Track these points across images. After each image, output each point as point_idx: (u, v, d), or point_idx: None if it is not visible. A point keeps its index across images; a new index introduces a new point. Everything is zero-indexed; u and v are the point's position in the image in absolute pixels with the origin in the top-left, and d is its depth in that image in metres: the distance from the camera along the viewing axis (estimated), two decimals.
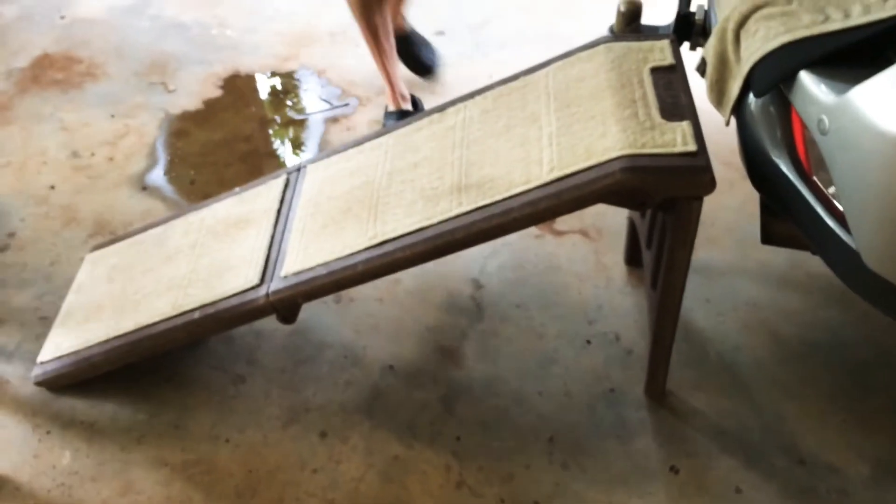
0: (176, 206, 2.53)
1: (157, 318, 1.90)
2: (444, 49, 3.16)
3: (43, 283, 2.31)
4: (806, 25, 1.44)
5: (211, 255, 1.99)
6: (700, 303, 2.14)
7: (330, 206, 1.89)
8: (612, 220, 2.39)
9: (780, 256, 2.22)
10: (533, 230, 2.38)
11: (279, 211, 2.00)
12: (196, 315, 1.84)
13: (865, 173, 1.25)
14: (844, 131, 1.28)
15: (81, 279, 2.22)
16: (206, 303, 1.85)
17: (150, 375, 2.03)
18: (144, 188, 2.62)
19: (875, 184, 1.23)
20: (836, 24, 1.41)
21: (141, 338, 1.89)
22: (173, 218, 2.23)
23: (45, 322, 2.17)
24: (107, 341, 1.93)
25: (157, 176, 2.67)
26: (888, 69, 1.25)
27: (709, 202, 1.59)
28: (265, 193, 2.09)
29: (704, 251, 2.27)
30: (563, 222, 2.40)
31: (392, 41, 2.68)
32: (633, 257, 2.26)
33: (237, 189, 2.18)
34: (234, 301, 1.82)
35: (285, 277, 1.78)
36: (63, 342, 2.03)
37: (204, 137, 2.83)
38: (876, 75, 1.25)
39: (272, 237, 1.92)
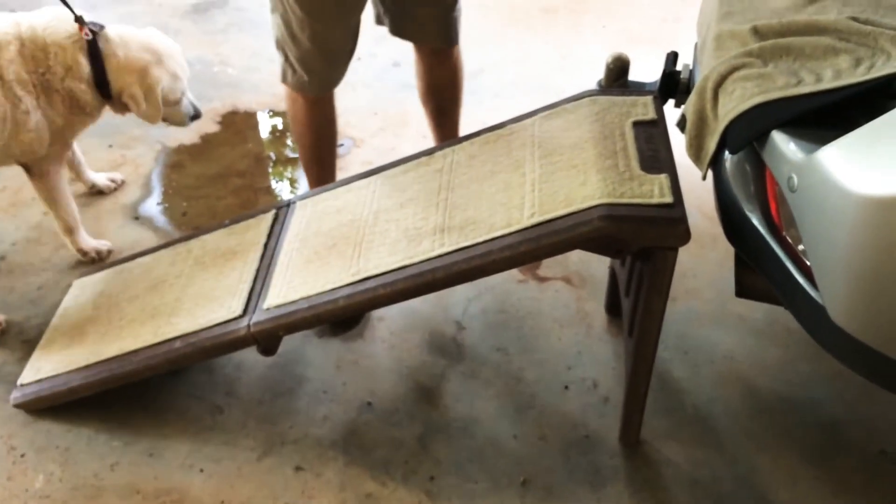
0: (167, 237, 2.56)
1: (139, 346, 1.92)
2: None
3: (29, 307, 2.33)
4: (780, 87, 1.49)
5: (196, 285, 2.02)
6: (677, 353, 2.17)
7: (316, 241, 1.92)
8: (595, 268, 2.43)
9: (758, 310, 2.26)
10: (517, 275, 2.41)
11: (266, 245, 2.03)
12: (177, 343, 1.86)
13: (832, 231, 1.29)
14: (813, 189, 1.32)
15: (67, 304, 2.24)
16: (188, 332, 1.87)
17: (127, 402, 2.04)
18: (137, 218, 2.65)
19: (841, 241, 1.27)
20: (808, 87, 1.46)
21: (121, 364, 1.90)
22: (162, 247, 2.26)
23: (28, 345, 2.19)
24: (87, 367, 1.95)
25: (150, 206, 2.71)
26: (854, 131, 1.29)
27: (690, 254, 1.63)
28: (254, 227, 2.12)
29: (684, 302, 2.30)
30: (546, 268, 2.44)
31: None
32: (613, 306, 2.29)
33: (227, 221, 2.22)
34: (216, 331, 1.84)
35: (268, 310, 1.81)
36: (44, 366, 2.04)
37: (199, 171, 2.87)
38: (842, 137, 1.30)
39: (258, 270, 1.96)
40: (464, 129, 2.30)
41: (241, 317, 1.83)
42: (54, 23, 2.13)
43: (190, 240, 2.22)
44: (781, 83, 1.49)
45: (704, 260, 2.43)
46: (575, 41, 3.71)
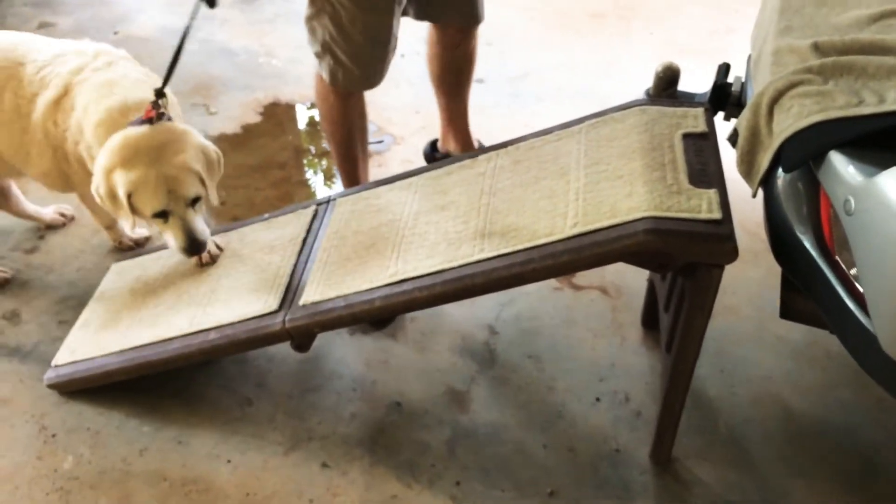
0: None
1: (173, 334, 1.93)
2: (483, 97, 3.22)
3: (66, 287, 2.35)
4: (840, 106, 1.45)
5: (233, 277, 2.02)
6: (714, 371, 2.13)
7: (355, 240, 1.92)
8: (632, 279, 2.40)
9: (798, 332, 2.21)
10: (552, 282, 2.39)
11: (305, 240, 2.03)
12: (212, 335, 1.86)
13: (888, 258, 1.25)
14: (870, 214, 1.28)
15: (104, 287, 2.26)
16: (223, 323, 1.87)
17: (158, 388, 2.05)
18: None
19: None
20: (871, 108, 1.42)
21: (156, 351, 1.91)
22: None
23: (63, 326, 2.21)
24: (122, 352, 1.96)
25: None
26: None
27: (731, 271, 1.59)
28: (293, 222, 2.12)
29: (723, 319, 2.26)
30: (582, 277, 2.41)
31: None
32: (649, 319, 2.25)
33: (266, 215, 2.22)
34: (251, 325, 1.84)
35: (304, 306, 1.80)
36: (79, 348, 2.06)
37: (239, 160, 2.88)
38: None
39: (295, 265, 1.95)
40: (505, 132, 2.28)
41: (276, 311, 1.82)
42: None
43: (229, 231, 2.22)
44: (842, 102, 1.45)
45: (744, 277, 2.39)
46: (622, 48, 3.67)
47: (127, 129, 1.88)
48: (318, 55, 2.20)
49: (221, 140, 2.99)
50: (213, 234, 2.29)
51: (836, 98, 1.47)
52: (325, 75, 2.22)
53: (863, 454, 1.94)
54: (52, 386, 2.04)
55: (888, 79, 1.48)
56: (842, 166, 1.37)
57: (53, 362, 2.07)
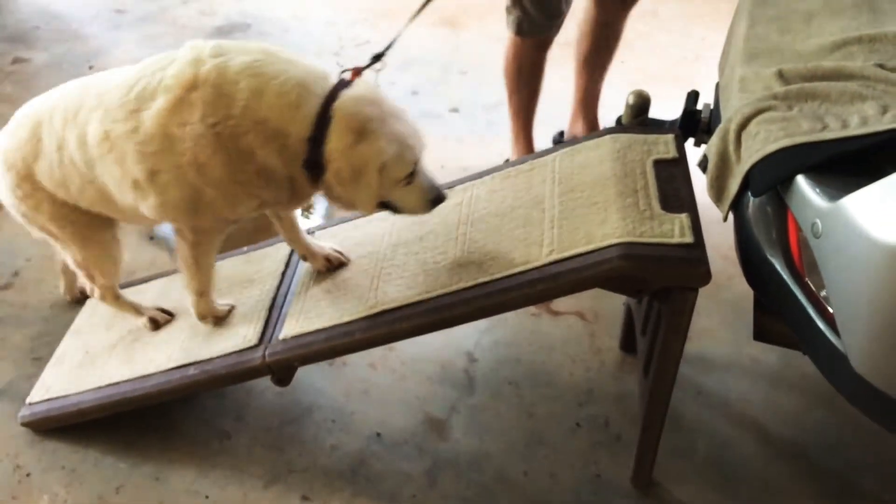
0: None
1: (151, 370, 1.91)
2: (458, 126, 3.25)
3: (41, 323, 2.33)
4: (805, 132, 1.48)
5: None
6: (692, 394, 2.15)
7: (334, 272, 1.92)
8: (609, 304, 2.41)
9: (773, 353, 2.23)
10: (530, 308, 2.40)
11: (284, 273, 2.03)
12: (191, 370, 1.85)
13: (856, 279, 1.28)
14: (837, 236, 1.31)
15: (80, 323, 2.24)
16: (202, 359, 1.86)
17: (135, 423, 2.02)
18: (152, 238, 2.66)
19: (865, 290, 1.26)
20: (834, 132, 1.45)
21: (133, 388, 1.89)
22: (178, 271, 2.25)
23: (38, 363, 2.18)
24: (98, 389, 1.94)
25: (167, 227, 2.70)
26: (881, 180, 1.28)
27: (705, 294, 1.61)
28: (272, 255, 2.12)
29: (699, 342, 2.28)
30: (560, 303, 2.43)
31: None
32: (627, 343, 2.27)
33: (245, 248, 2.22)
34: (231, 360, 1.83)
35: (284, 340, 1.80)
36: (54, 385, 2.04)
37: None
38: (869, 185, 1.29)
39: (274, 299, 1.95)
40: (482, 161, 2.31)
41: (256, 346, 1.82)
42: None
43: None
44: (807, 128, 1.48)
45: (719, 300, 2.42)
46: None
47: (343, 99, 1.63)
48: (507, 10, 2.63)
49: None
50: None
51: (800, 123, 1.50)
52: (512, 28, 2.64)
53: (841, 475, 1.96)
54: (26, 424, 2.02)
55: (851, 104, 1.52)
56: (808, 190, 1.40)
57: (28, 400, 2.05)
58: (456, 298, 1.67)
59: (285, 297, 1.94)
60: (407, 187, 1.68)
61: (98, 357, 2.07)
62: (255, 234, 2.59)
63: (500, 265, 1.69)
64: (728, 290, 2.43)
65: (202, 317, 1.98)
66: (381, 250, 1.91)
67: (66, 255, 2.07)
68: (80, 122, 1.76)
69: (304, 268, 2.00)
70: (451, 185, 2.04)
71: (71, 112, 1.78)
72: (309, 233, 2.14)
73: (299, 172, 1.68)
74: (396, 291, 1.75)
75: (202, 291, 1.96)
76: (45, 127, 1.82)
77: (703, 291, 1.58)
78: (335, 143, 1.62)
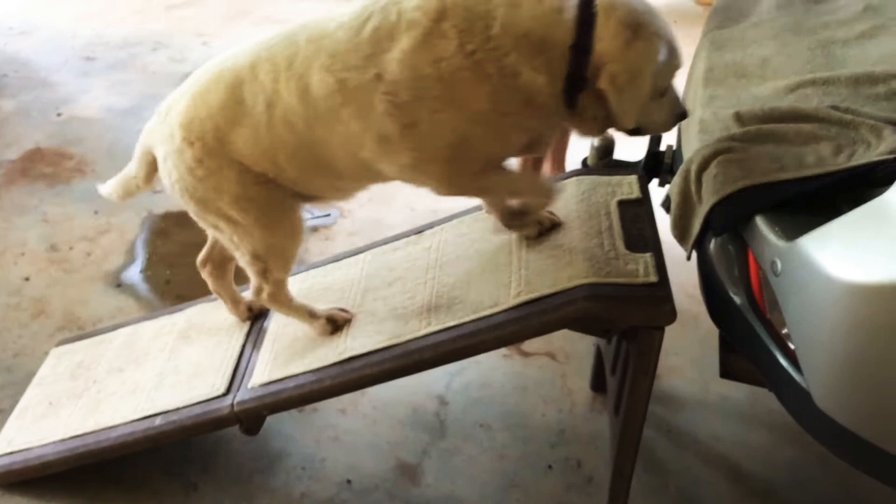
0: (149, 306, 2.54)
1: (117, 421, 1.88)
2: None
3: (4, 374, 2.29)
4: (763, 172, 1.51)
5: (180, 359, 1.99)
6: (662, 433, 2.15)
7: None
8: (579, 344, 2.42)
9: (742, 390, 2.25)
10: (501, 350, 2.40)
11: (253, 321, 2.01)
12: (157, 421, 1.82)
13: (815, 316, 1.30)
14: (796, 275, 1.33)
15: (44, 373, 2.20)
16: (168, 409, 1.84)
17: (99, 475, 1.98)
18: (119, 285, 2.63)
19: (824, 327, 1.28)
20: (791, 172, 1.49)
21: (98, 440, 1.86)
22: (145, 319, 2.24)
23: (1, 415, 2.13)
24: (62, 441, 1.90)
25: (134, 274, 2.69)
26: (837, 219, 1.31)
27: (673, 332, 1.63)
28: None
29: (668, 380, 2.29)
30: (531, 344, 2.43)
31: None
32: (598, 383, 2.28)
33: (213, 295, 2.20)
34: (198, 409, 1.80)
35: (252, 388, 1.78)
36: (17, 437, 1.99)
37: (186, 238, 2.86)
38: (825, 224, 1.32)
39: (243, 346, 1.94)
40: (453, 204, 2.31)
41: (224, 395, 1.80)
42: None
43: (175, 313, 2.20)
44: (765, 168, 1.52)
45: (686, 338, 2.44)
46: None
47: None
48: None
49: (167, 218, 2.98)
50: (157, 315, 2.26)
51: (759, 164, 1.54)
52: None
53: None
54: None
55: (806, 145, 1.56)
56: (767, 229, 1.43)
57: None
58: (425, 343, 1.66)
59: (255, 344, 1.93)
60: (661, 99, 1.52)
61: (62, 408, 2.03)
62: None
63: (469, 308, 1.69)
64: (695, 328, 2.45)
65: (530, 231, 1.76)
66: (350, 296, 1.91)
67: (241, 249, 1.77)
68: (298, 72, 1.53)
69: (274, 315, 1.99)
70: (421, 230, 2.05)
71: (282, 63, 1.55)
72: None
73: (559, 93, 1.48)
74: (366, 337, 1.74)
75: (502, 213, 1.78)
76: (248, 86, 1.58)
77: (670, 329, 1.60)
78: (609, 42, 1.42)
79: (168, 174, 1.71)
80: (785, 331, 1.43)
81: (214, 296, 2.12)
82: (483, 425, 2.18)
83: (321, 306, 1.86)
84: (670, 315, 1.57)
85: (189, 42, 4.39)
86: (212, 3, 4.86)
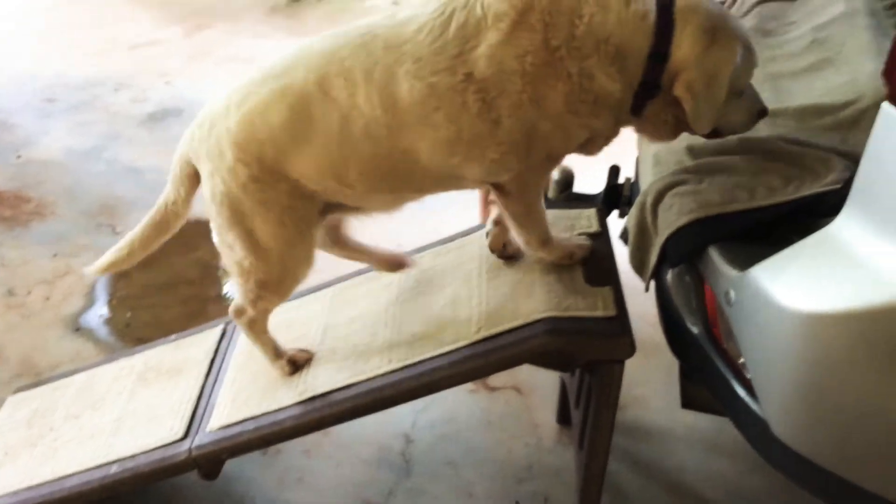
0: (108, 349, 2.49)
1: (73, 469, 1.83)
2: None
3: None
4: (715, 204, 1.54)
5: (138, 403, 1.95)
6: (628, 464, 2.14)
7: (263, 359, 1.89)
8: (545, 377, 2.41)
9: (707, 420, 2.25)
10: (467, 385, 2.39)
11: (213, 361, 1.99)
12: (114, 468, 1.78)
13: (769, 345, 1.31)
14: (749, 304, 1.35)
15: (0, 422, 2.14)
16: (125, 455, 1.79)
17: None
18: (78, 329, 2.59)
19: (777, 356, 1.29)
20: (742, 204, 1.52)
21: (52, 490, 1.80)
22: (103, 363, 2.20)
23: None
24: (16, 493, 1.84)
25: (93, 317, 2.65)
26: (787, 249, 1.34)
27: (637, 363, 1.63)
28: (201, 342, 2.08)
29: (633, 411, 2.29)
30: (496, 378, 2.42)
31: None
32: (564, 416, 2.27)
33: (173, 336, 2.17)
34: (156, 455, 1.76)
35: (211, 432, 1.75)
36: None
37: (146, 280, 2.83)
38: (776, 254, 1.34)
39: (202, 387, 1.91)
40: (415, 239, 2.32)
41: (182, 439, 1.76)
42: None
43: (133, 355, 2.16)
44: (717, 200, 1.55)
45: (651, 368, 2.44)
46: None
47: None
48: None
49: None
50: (116, 358, 2.22)
51: (711, 196, 1.56)
52: None
53: None
54: None
55: (756, 176, 1.59)
56: (720, 260, 1.45)
57: None
58: (386, 381, 1.65)
59: (213, 385, 1.90)
60: (738, 99, 1.51)
61: (19, 457, 1.97)
62: (187, 321, 2.56)
63: (430, 345, 1.69)
64: (659, 358, 2.45)
65: (561, 259, 1.72)
66: (311, 334, 1.90)
67: (247, 274, 1.70)
68: (380, 83, 1.48)
69: (233, 354, 1.97)
70: None
71: (359, 77, 1.49)
72: None
73: (628, 98, 1.49)
74: (327, 376, 1.73)
75: (545, 239, 1.70)
76: (318, 105, 1.52)
77: (635, 359, 1.60)
78: (687, 49, 1.43)
79: (213, 187, 1.64)
80: (741, 360, 1.45)
81: (174, 336, 2.09)
82: (449, 463, 2.16)
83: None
84: (629, 348, 1.58)
85: (152, 82, 4.38)
86: (175, 43, 4.86)
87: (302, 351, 1.84)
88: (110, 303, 2.72)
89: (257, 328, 1.81)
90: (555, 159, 1.62)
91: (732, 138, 1.73)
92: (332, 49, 1.54)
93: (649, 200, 1.68)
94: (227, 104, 1.60)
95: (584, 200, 2.09)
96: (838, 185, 1.41)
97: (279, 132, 1.55)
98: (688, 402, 1.71)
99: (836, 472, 1.29)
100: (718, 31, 1.44)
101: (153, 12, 5.27)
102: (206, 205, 1.69)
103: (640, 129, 1.60)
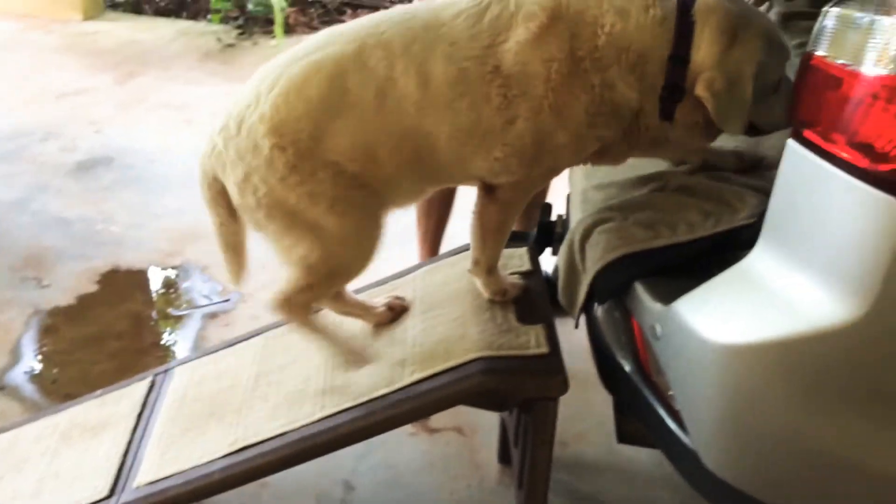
0: (35, 408, 2.40)
1: None
2: None
3: None
4: (640, 240, 1.57)
5: (61, 463, 1.88)
6: (571, 501, 2.14)
7: (193, 409, 1.85)
8: (486, 416, 2.40)
9: (647, 452, 2.26)
10: (407, 428, 2.36)
11: (140, 415, 1.93)
12: None
13: (694, 377, 1.34)
14: (673, 338, 1.38)
15: None
16: None
17: None
18: (2, 388, 2.49)
19: (702, 388, 1.32)
20: (665, 239, 1.55)
21: None
22: (27, 422, 2.11)
23: None
24: None
25: (18, 375, 2.55)
26: (707, 282, 1.37)
27: (577, 397, 1.64)
28: (128, 396, 2.02)
29: (574, 447, 2.30)
30: (437, 419, 2.40)
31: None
32: (506, 455, 2.26)
33: (98, 392, 2.11)
34: None
35: (138, 488, 1.69)
36: None
37: (73, 334, 2.75)
38: (697, 288, 1.38)
39: (129, 443, 1.85)
40: (355, 283, 2.30)
41: (107, 498, 1.70)
42: None
43: (58, 413, 2.09)
44: (641, 236, 1.58)
45: (591, 402, 2.44)
46: None
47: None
48: None
49: (55, 314, 2.85)
50: (40, 416, 2.14)
51: (635, 232, 1.60)
52: None
53: None
54: None
55: (678, 212, 1.63)
56: (645, 295, 1.48)
57: None
58: (320, 427, 1.63)
59: (141, 440, 1.84)
60: (774, 95, 1.48)
61: None
62: (117, 375, 2.48)
63: (364, 388, 1.67)
64: (599, 393, 2.44)
65: (495, 294, 1.74)
66: (242, 382, 1.86)
67: (312, 267, 1.62)
68: (418, 59, 1.47)
69: (162, 408, 1.91)
70: (315, 311, 2.02)
71: (397, 49, 1.48)
72: (168, 369, 2.06)
73: (651, 104, 1.50)
74: (258, 425, 1.69)
75: (491, 267, 1.72)
76: (355, 75, 1.49)
77: (573, 395, 1.61)
78: (706, 50, 1.43)
79: (252, 192, 1.56)
80: (671, 393, 1.47)
81: (100, 391, 2.03)
82: None
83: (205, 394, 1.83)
84: (562, 386, 1.59)
85: (81, 131, 4.29)
86: (105, 91, 4.78)
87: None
88: (36, 359, 2.63)
89: (308, 317, 1.74)
90: (557, 171, 1.65)
91: (654, 172, 1.79)
92: (371, 23, 1.55)
93: (577, 238, 1.70)
94: (254, 94, 1.56)
95: (516, 239, 2.11)
96: (753, 220, 1.46)
97: (316, 105, 1.51)
98: (623, 436, 1.73)
99: (763, 501, 1.32)
100: (739, 31, 1.44)
101: (83, 60, 5.19)
102: (248, 216, 1.62)
103: (674, 136, 1.59)
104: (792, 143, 1.22)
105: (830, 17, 1.18)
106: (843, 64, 1.14)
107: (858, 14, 1.15)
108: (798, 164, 1.21)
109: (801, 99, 1.23)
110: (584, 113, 1.49)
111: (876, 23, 1.11)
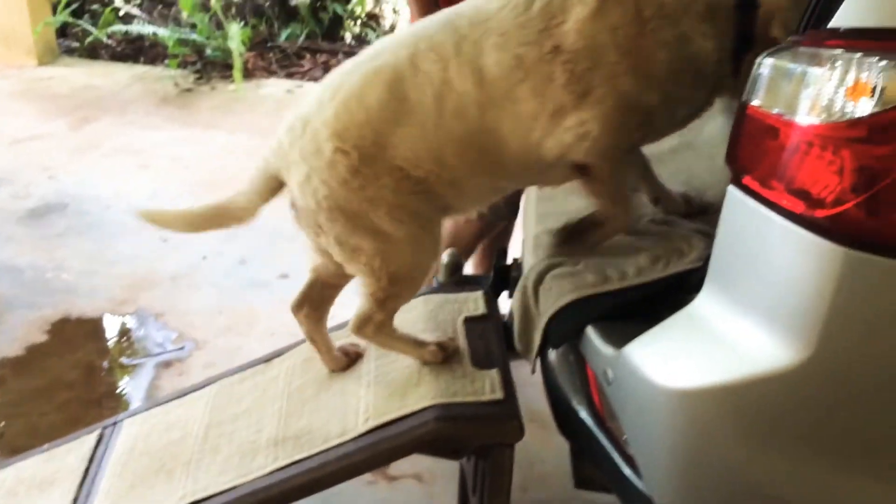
0: None
1: None
2: (288, 293, 3.22)
3: None
4: (590, 285, 1.59)
5: None
6: None
7: (141, 463, 1.80)
8: (446, 463, 2.36)
9: (606, 498, 2.26)
10: (366, 476, 2.33)
11: (87, 470, 1.88)
12: None
13: (646, 422, 1.35)
14: (625, 382, 1.39)
15: None
16: None
17: None
18: None
19: (654, 433, 1.32)
20: (614, 284, 1.57)
21: None
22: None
23: None
24: None
25: None
26: (656, 326, 1.38)
27: (537, 440, 1.64)
28: (76, 450, 1.97)
29: (535, 493, 2.28)
30: (396, 467, 2.37)
31: None
32: (466, 502, 2.24)
33: (45, 446, 2.05)
34: None
35: None
36: None
37: (21, 385, 2.68)
38: (646, 332, 1.39)
39: (75, 500, 1.79)
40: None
41: None
42: None
43: (4, 468, 2.02)
44: (592, 281, 1.59)
45: (551, 445, 2.43)
46: None
47: None
48: None
49: (2, 365, 2.78)
50: None
51: (586, 277, 1.61)
52: None
53: None
54: None
55: (627, 256, 1.65)
56: (597, 340, 1.49)
57: None
58: (272, 480, 1.60)
59: (87, 497, 1.78)
60: None
61: None
62: (66, 428, 2.42)
63: (317, 439, 1.65)
64: (558, 435, 2.46)
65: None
66: (193, 433, 1.83)
67: (378, 273, 1.63)
68: (469, 56, 1.50)
69: (109, 462, 1.86)
70: (269, 358, 2.01)
71: (449, 50, 1.51)
72: (117, 422, 2.01)
73: (727, 57, 1.49)
74: (208, 478, 1.66)
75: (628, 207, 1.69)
76: (411, 81, 1.52)
77: (534, 438, 1.61)
78: None
79: (313, 193, 1.57)
80: (624, 437, 1.47)
81: (47, 445, 1.97)
82: None
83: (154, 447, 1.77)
84: (517, 432, 1.59)
85: (35, 177, 4.23)
86: (59, 136, 4.72)
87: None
88: None
89: (387, 330, 1.74)
90: (650, 137, 1.63)
91: None
92: (421, 28, 1.59)
93: (530, 283, 1.71)
94: (318, 101, 1.58)
95: (472, 283, 2.12)
96: (700, 263, 1.48)
97: (376, 113, 1.54)
98: (580, 481, 1.73)
99: None
100: None
101: (37, 106, 5.13)
102: (309, 220, 1.62)
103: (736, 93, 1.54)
104: (732, 189, 1.25)
105: (765, 66, 1.22)
106: (778, 113, 1.18)
107: (791, 65, 1.18)
108: (739, 210, 1.23)
109: (739, 146, 1.26)
110: (667, 70, 1.49)
111: (808, 73, 1.15)
